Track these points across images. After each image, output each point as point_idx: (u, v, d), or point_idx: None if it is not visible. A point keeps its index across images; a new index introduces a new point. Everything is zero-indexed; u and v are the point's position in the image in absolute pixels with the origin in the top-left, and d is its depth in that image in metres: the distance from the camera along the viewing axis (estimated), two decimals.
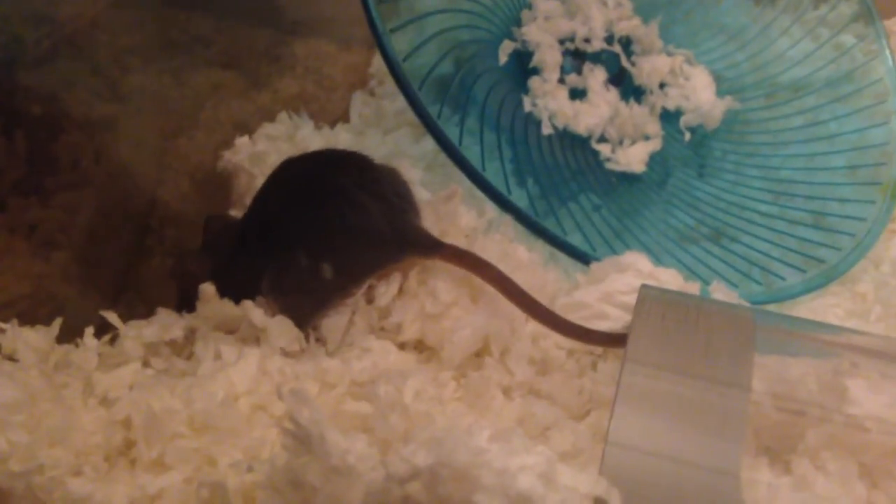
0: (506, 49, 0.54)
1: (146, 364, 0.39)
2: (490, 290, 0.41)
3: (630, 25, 0.57)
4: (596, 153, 0.54)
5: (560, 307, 0.42)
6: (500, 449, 0.26)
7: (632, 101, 0.56)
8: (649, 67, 0.57)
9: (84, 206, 0.44)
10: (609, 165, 0.54)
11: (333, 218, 0.40)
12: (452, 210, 0.46)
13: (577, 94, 0.55)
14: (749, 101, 0.59)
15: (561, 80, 0.55)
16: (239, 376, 0.37)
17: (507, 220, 0.46)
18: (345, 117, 0.61)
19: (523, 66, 0.55)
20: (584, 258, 0.45)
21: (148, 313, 0.42)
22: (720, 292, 0.44)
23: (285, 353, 0.40)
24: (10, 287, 0.40)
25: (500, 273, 0.40)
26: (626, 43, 0.58)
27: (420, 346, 0.42)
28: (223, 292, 0.40)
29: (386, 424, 0.34)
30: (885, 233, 0.52)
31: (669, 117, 0.57)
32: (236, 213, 0.49)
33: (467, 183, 0.45)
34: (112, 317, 0.39)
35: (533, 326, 0.41)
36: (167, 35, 0.52)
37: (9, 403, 0.32)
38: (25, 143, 0.40)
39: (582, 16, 0.56)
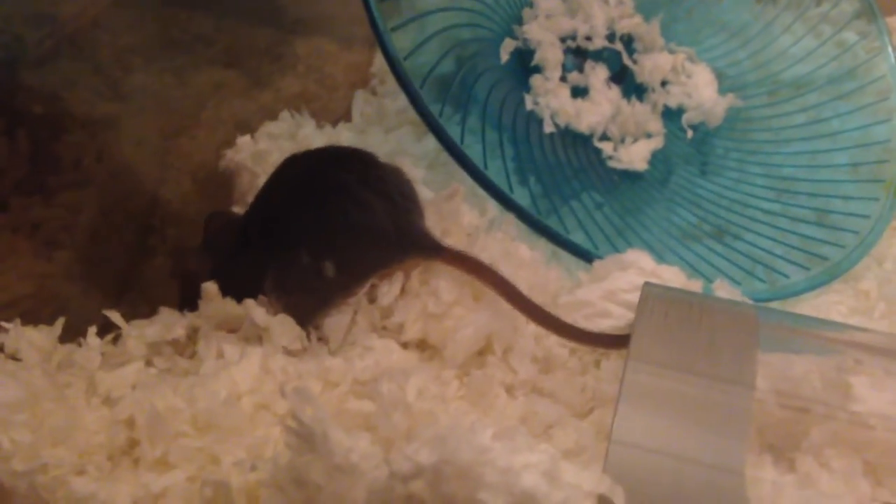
0: (507, 47, 0.54)
1: (149, 363, 0.39)
2: None
3: (632, 23, 0.57)
4: (598, 151, 0.54)
5: (562, 305, 0.42)
6: (503, 447, 0.26)
7: (633, 98, 0.56)
8: (651, 65, 0.57)
9: (86, 206, 0.44)
10: (611, 163, 0.54)
11: (337, 215, 0.40)
12: (454, 208, 0.45)
13: (579, 92, 0.55)
14: (751, 98, 0.58)
15: (563, 79, 0.55)
16: (241, 375, 0.37)
17: (509, 218, 0.46)
18: (347, 116, 0.61)
19: (525, 65, 0.55)
20: (586, 256, 0.45)
21: (150, 312, 0.42)
22: (723, 290, 0.44)
23: (288, 352, 0.40)
24: (12, 286, 0.40)
25: (501, 277, 0.40)
26: (628, 41, 0.58)
27: (422, 346, 0.42)
28: (225, 290, 0.40)
29: (389, 423, 0.34)
30: (889, 230, 0.52)
31: (671, 115, 0.57)
32: (239, 210, 0.49)
33: (469, 181, 0.45)
34: (115, 316, 0.39)
35: (535, 325, 0.41)
36: (168, 34, 0.51)
37: (12, 403, 0.32)
38: (28, 143, 0.40)
39: (583, 14, 0.56)
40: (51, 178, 0.42)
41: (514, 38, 0.55)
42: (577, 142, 0.54)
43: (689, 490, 0.29)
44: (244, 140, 0.53)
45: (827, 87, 0.58)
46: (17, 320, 0.37)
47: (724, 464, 0.30)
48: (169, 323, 0.40)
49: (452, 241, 0.44)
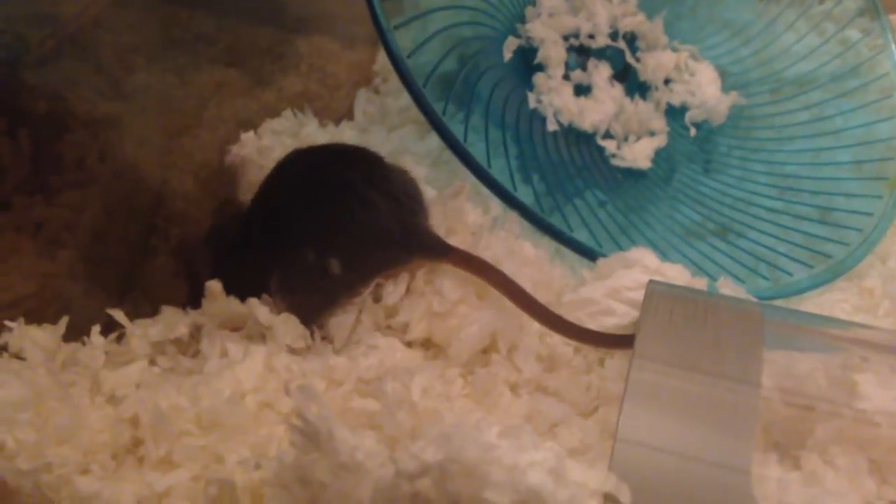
0: (510, 45, 0.54)
1: (153, 362, 0.39)
2: None
3: (634, 21, 0.57)
4: (601, 149, 0.54)
5: (566, 304, 0.42)
6: (509, 445, 0.26)
7: (637, 97, 0.56)
8: (654, 63, 0.57)
9: (89, 205, 0.44)
10: (614, 161, 0.54)
11: (342, 214, 0.40)
12: (459, 207, 0.45)
13: (582, 90, 0.55)
14: (754, 96, 0.58)
15: (566, 77, 0.55)
16: (245, 374, 0.37)
17: (513, 216, 0.46)
18: (349, 115, 0.61)
19: (528, 63, 0.55)
20: (590, 254, 0.45)
21: (153, 312, 0.42)
22: (727, 288, 0.44)
23: (291, 351, 0.40)
24: (16, 286, 0.40)
25: (506, 278, 0.40)
26: (631, 39, 0.58)
27: (427, 344, 0.42)
28: (227, 287, 0.40)
29: (393, 421, 0.34)
30: (893, 228, 0.52)
31: (675, 113, 0.57)
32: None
33: (472, 180, 0.45)
34: (119, 315, 0.39)
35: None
36: (170, 33, 0.51)
37: (16, 402, 0.32)
38: (30, 142, 0.40)
39: (586, 12, 0.56)
40: (53, 177, 0.42)
41: (517, 36, 0.55)
42: (580, 140, 0.53)
43: (695, 488, 0.29)
44: (248, 136, 0.53)
45: (830, 84, 0.58)
46: (21, 319, 0.37)
47: (730, 462, 0.30)
48: (172, 322, 0.40)
49: (457, 239, 0.44)
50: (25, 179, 0.40)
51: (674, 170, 0.55)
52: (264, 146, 0.52)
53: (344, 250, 0.40)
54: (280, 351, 0.39)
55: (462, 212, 0.45)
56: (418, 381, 0.36)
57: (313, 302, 0.40)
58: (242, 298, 0.40)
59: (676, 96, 0.57)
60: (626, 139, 0.55)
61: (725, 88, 0.58)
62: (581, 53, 0.56)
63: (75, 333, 0.38)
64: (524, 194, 0.47)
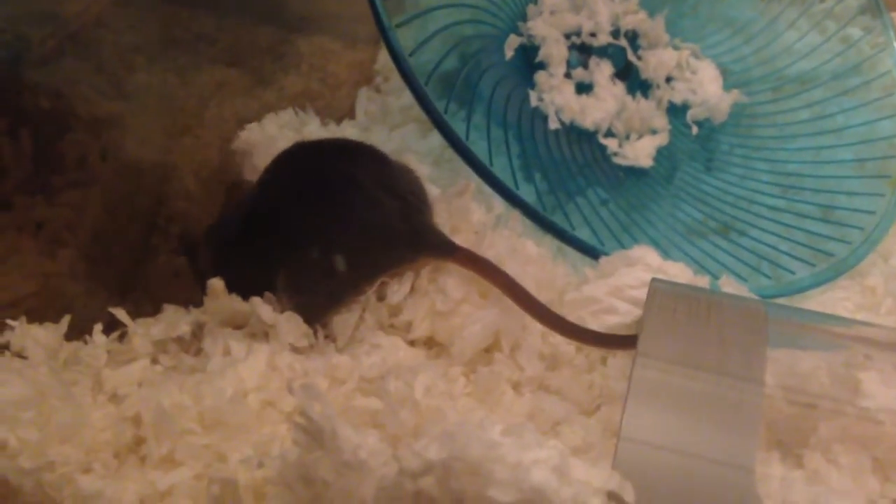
0: (512, 44, 0.54)
1: (155, 361, 0.39)
2: None
3: (636, 19, 0.57)
4: (603, 148, 0.54)
5: (569, 302, 0.42)
6: (513, 443, 0.26)
7: (638, 95, 0.56)
8: (656, 61, 0.57)
9: (90, 204, 0.44)
10: (616, 160, 0.53)
11: (349, 212, 0.40)
12: (464, 205, 0.45)
13: (584, 88, 0.55)
14: (756, 94, 0.58)
15: (567, 75, 0.55)
16: (248, 372, 0.36)
17: (515, 215, 0.46)
18: (350, 114, 0.60)
19: (529, 61, 0.55)
20: (592, 253, 0.45)
21: (154, 311, 0.42)
22: (729, 286, 0.44)
23: (294, 349, 0.39)
24: (17, 285, 0.40)
25: (511, 279, 0.40)
26: (633, 37, 0.58)
27: (430, 343, 0.42)
28: (229, 283, 0.40)
29: (396, 420, 0.34)
30: (895, 226, 0.52)
31: (676, 111, 0.57)
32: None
33: (475, 178, 0.45)
34: (120, 313, 0.39)
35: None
36: (171, 33, 0.51)
37: (18, 400, 0.32)
38: (31, 142, 0.40)
39: (588, 10, 0.56)
40: (54, 176, 0.42)
41: (519, 34, 0.55)
42: (581, 138, 0.53)
43: (699, 486, 0.29)
44: (253, 126, 0.53)
45: (832, 82, 0.57)
46: (23, 318, 0.37)
47: (734, 460, 0.30)
48: (174, 320, 0.40)
49: (461, 238, 0.44)
50: (27, 179, 0.40)
51: (675, 168, 0.55)
52: (271, 134, 0.52)
53: (350, 249, 0.40)
54: (283, 349, 0.39)
55: (467, 210, 0.45)
56: (421, 379, 0.36)
57: (319, 301, 0.40)
58: (244, 296, 0.40)
59: (678, 94, 0.57)
60: (627, 137, 0.55)
61: (727, 86, 0.58)
62: (583, 51, 0.56)
63: (77, 332, 0.38)
64: (526, 193, 0.46)
